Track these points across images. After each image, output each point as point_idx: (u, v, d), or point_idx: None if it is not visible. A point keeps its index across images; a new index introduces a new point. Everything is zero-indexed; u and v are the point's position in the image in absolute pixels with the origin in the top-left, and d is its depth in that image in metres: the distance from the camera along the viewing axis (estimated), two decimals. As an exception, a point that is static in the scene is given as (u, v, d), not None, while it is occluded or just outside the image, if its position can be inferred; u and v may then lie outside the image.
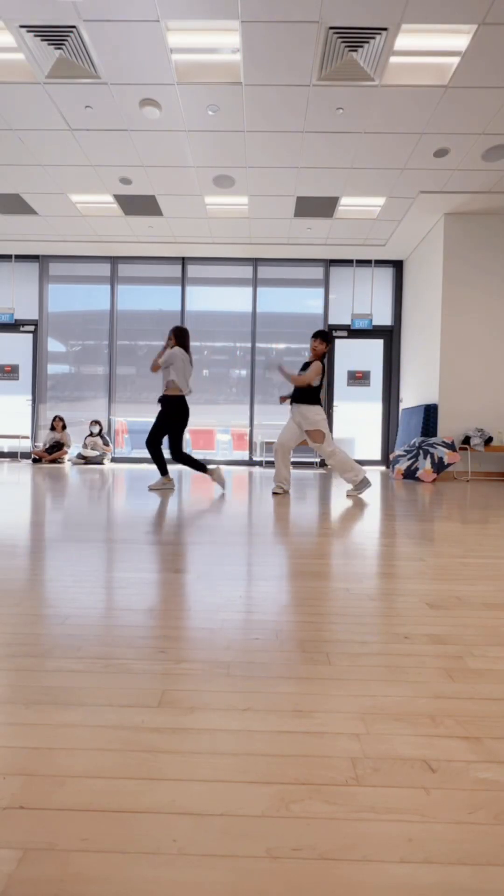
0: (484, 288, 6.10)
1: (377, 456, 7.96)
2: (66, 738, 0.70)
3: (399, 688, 0.87)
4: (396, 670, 0.93)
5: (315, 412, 3.77)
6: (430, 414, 6.22)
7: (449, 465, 5.60)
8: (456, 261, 6.11)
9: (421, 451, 5.81)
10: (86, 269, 7.98)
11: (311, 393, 3.80)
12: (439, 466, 5.61)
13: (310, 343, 3.93)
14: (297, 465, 7.85)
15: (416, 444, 5.97)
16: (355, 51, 3.59)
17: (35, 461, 7.41)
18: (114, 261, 7.90)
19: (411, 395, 7.24)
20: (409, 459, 5.88)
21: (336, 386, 7.89)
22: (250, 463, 7.95)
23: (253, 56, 3.66)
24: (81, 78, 3.95)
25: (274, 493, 3.86)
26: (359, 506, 3.33)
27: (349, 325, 7.75)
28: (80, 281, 8.04)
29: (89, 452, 7.40)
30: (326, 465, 7.86)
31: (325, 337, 3.82)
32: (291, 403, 3.89)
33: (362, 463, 7.92)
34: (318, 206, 6.01)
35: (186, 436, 7.99)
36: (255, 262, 7.77)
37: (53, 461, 7.39)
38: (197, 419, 7.94)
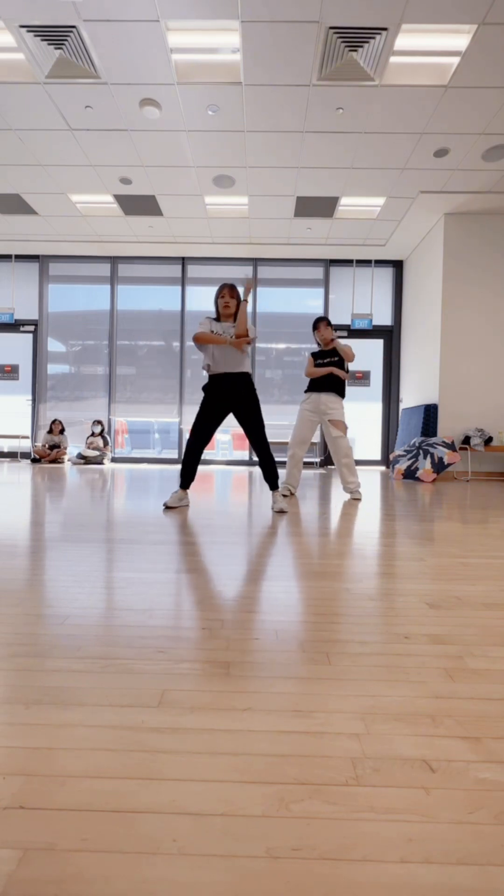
0: (484, 288, 6.10)
1: (377, 456, 7.96)
2: (66, 738, 0.70)
3: (399, 688, 0.87)
4: (396, 670, 0.93)
5: (342, 404, 3.69)
6: (430, 414, 6.22)
7: (449, 465, 5.60)
8: (456, 261, 6.11)
9: (421, 451, 5.81)
10: (86, 269, 7.98)
11: (343, 384, 3.68)
12: (439, 466, 5.61)
13: (318, 331, 3.72)
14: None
15: (416, 444, 5.97)
16: (355, 51, 3.59)
17: (35, 461, 7.41)
18: (114, 261, 7.90)
19: (411, 395, 7.24)
20: (409, 459, 5.88)
21: (336, 386, 7.89)
22: (250, 463, 7.95)
23: (253, 56, 3.66)
24: (81, 78, 3.95)
25: (283, 495, 3.64)
26: (357, 506, 3.33)
27: (349, 325, 7.76)
28: (80, 281, 8.04)
29: (89, 452, 7.40)
30: (325, 466, 7.86)
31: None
32: (313, 391, 3.67)
33: (362, 463, 7.93)
34: (318, 206, 6.01)
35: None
36: (256, 262, 7.77)
37: (53, 461, 7.39)
38: (197, 419, 7.93)
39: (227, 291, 3.08)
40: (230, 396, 3.02)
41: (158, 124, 4.53)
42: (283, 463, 7.35)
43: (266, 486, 4.53)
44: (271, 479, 3.07)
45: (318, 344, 3.81)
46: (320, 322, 3.75)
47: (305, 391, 3.78)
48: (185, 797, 0.59)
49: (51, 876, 0.48)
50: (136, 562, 1.70)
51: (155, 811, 0.57)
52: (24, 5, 3.30)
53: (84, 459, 7.39)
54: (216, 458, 8.10)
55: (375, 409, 7.93)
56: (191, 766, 0.65)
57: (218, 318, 3.13)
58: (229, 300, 3.07)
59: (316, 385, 3.70)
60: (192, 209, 6.18)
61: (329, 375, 3.67)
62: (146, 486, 4.40)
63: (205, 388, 3.08)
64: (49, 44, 3.62)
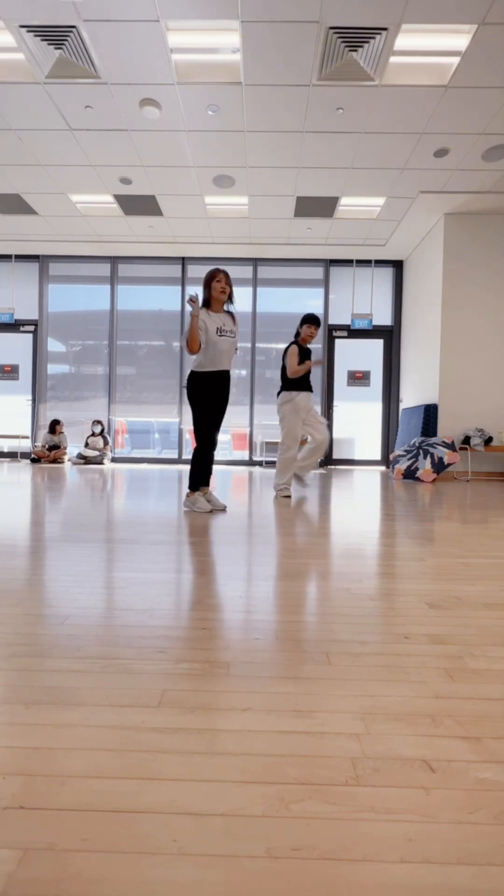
0: (484, 287, 6.10)
1: (377, 456, 7.96)
2: (66, 738, 0.70)
3: (399, 688, 0.87)
4: (396, 670, 0.93)
5: None
6: (430, 414, 6.22)
7: (449, 465, 5.60)
8: (456, 261, 6.11)
9: (421, 451, 5.81)
10: (86, 269, 7.98)
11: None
12: (439, 466, 5.60)
13: (306, 330, 3.83)
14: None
15: (416, 444, 5.97)
16: (355, 51, 3.58)
17: (34, 461, 7.41)
18: (114, 261, 7.90)
19: (411, 395, 7.24)
20: (409, 459, 5.88)
21: (336, 386, 7.89)
22: (250, 463, 7.95)
23: (253, 56, 3.66)
24: (81, 78, 3.95)
25: (286, 497, 3.63)
26: (357, 506, 3.33)
27: (349, 325, 7.75)
28: (80, 281, 8.04)
29: (89, 452, 7.40)
30: (325, 466, 7.86)
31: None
32: (302, 391, 3.72)
33: (362, 463, 7.93)
34: (318, 206, 6.01)
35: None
36: (255, 262, 7.77)
37: (53, 461, 7.39)
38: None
39: (224, 277, 2.93)
40: (221, 391, 3.00)
41: (158, 124, 4.53)
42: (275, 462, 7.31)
43: (264, 486, 4.53)
44: (205, 478, 3.03)
45: (298, 334, 3.89)
46: (315, 323, 3.85)
47: (291, 389, 3.70)
48: (185, 797, 0.59)
49: (51, 876, 0.48)
50: (136, 562, 1.70)
51: (155, 811, 0.57)
52: (24, 5, 3.30)
53: (84, 459, 7.38)
54: (216, 458, 8.09)
55: (375, 409, 7.92)
56: (191, 766, 0.65)
57: (207, 305, 2.95)
58: (226, 285, 2.92)
59: (303, 385, 3.76)
60: (192, 209, 6.18)
61: (303, 375, 3.77)
62: (146, 486, 4.40)
63: (198, 385, 2.94)
64: (49, 44, 3.62)
